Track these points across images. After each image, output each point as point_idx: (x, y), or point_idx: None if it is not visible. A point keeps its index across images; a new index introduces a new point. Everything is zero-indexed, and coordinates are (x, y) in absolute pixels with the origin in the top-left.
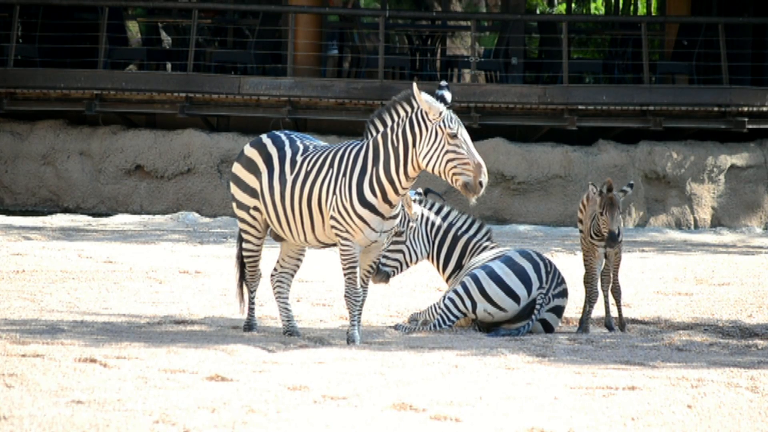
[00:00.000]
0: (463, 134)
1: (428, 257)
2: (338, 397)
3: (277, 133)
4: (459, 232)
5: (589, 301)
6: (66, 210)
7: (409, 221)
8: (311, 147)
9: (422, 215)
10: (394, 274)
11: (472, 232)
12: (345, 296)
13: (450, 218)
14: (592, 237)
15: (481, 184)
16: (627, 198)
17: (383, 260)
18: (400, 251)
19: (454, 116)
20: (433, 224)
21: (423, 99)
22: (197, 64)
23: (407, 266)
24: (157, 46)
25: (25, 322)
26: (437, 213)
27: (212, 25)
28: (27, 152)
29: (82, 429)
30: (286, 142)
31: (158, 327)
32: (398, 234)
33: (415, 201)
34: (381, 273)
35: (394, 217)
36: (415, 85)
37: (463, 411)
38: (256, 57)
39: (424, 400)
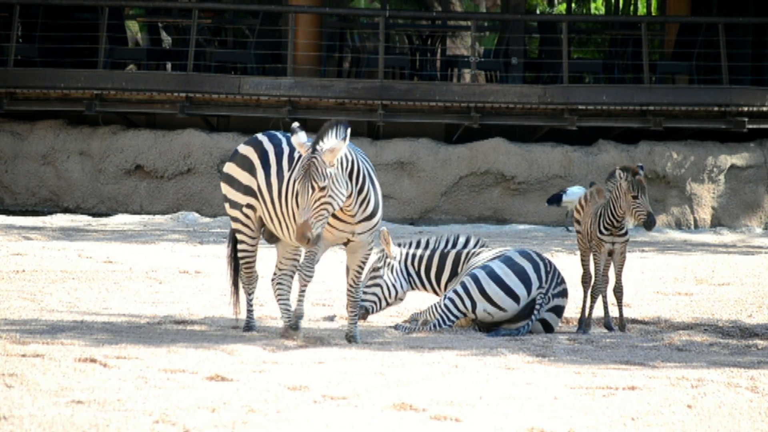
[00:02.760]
0: (300, 188)
1: (421, 287)
2: (338, 397)
3: (273, 132)
4: (445, 251)
5: (593, 295)
6: (66, 210)
7: (386, 257)
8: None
9: (402, 253)
10: (372, 311)
11: (459, 246)
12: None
13: (431, 245)
14: (601, 232)
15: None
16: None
17: (362, 295)
18: (378, 285)
19: (310, 163)
20: (413, 257)
21: (293, 140)
22: (197, 64)
23: (386, 302)
24: (157, 46)
25: (25, 322)
26: (417, 247)
27: (212, 25)
28: (27, 152)
29: (82, 429)
30: (283, 140)
31: (158, 327)
32: (375, 270)
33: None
34: (360, 308)
35: (367, 219)
36: (295, 124)
37: (463, 411)
38: (256, 57)
39: (424, 400)
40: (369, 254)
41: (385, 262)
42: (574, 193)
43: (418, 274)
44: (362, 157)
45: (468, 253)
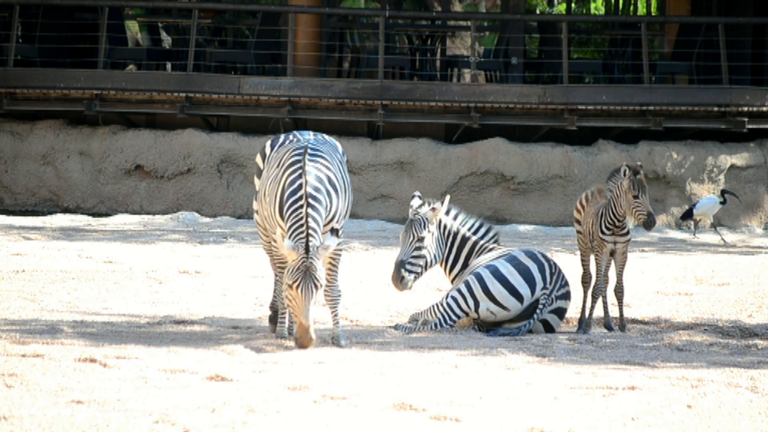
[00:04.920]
0: (302, 290)
1: (438, 262)
2: (338, 397)
3: (281, 135)
4: (467, 234)
5: (594, 296)
6: (66, 210)
7: (428, 224)
8: (291, 142)
9: (437, 220)
10: (415, 279)
11: (479, 234)
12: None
13: (459, 220)
14: (602, 232)
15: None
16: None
17: (409, 267)
18: (423, 257)
19: (309, 265)
20: (445, 227)
21: (283, 245)
22: (197, 64)
23: (425, 271)
24: (157, 46)
25: (25, 322)
26: (447, 213)
27: (212, 25)
28: (27, 152)
29: (82, 429)
30: (279, 141)
31: (158, 327)
32: (420, 240)
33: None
34: (405, 280)
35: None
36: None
37: (463, 411)
38: (256, 57)
39: (424, 400)
40: (338, 252)
41: (428, 229)
42: (704, 204)
43: (441, 246)
44: (318, 149)
45: (481, 246)
